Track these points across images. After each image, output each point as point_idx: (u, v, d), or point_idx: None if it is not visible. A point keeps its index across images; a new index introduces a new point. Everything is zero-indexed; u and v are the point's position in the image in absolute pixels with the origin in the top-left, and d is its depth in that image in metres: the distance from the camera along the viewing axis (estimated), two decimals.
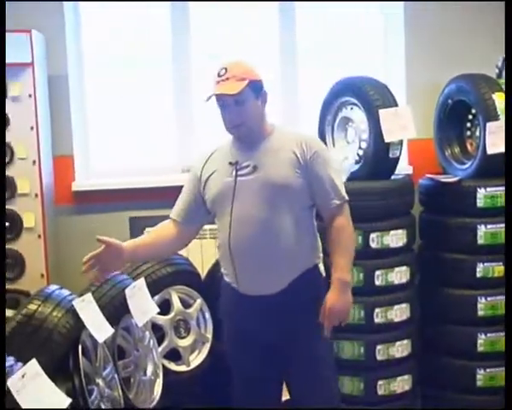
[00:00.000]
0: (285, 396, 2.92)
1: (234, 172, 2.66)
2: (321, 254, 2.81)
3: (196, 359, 3.45)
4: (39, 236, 3.76)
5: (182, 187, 4.04)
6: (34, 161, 3.72)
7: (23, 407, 2.07)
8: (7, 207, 3.70)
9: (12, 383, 2.09)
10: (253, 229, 2.61)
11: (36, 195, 3.74)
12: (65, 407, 2.26)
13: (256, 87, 2.65)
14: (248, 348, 2.76)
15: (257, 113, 2.68)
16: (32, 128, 3.70)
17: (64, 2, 4.05)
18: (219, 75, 2.61)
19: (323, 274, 2.80)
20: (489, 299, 3.59)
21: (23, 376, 2.14)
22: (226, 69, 2.61)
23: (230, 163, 2.68)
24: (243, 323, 2.76)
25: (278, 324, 2.68)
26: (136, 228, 4.09)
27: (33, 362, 2.22)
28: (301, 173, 2.64)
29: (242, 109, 2.62)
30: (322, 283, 2.80)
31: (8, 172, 3.69)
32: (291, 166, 2.64)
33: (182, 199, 2.85)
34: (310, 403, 2.73)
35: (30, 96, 3.68)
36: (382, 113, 3.52)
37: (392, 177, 3.69)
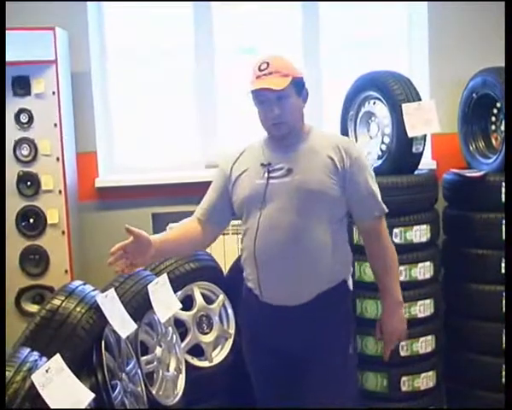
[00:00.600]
0: None
1: (265, 174, 2.54)
2: (351, 268, 2.70)
3: (219, 355, 3.45)
4: (63, 232, 3.78)
5: (204, 183, 4.07)
6: (58, 158, 3.75)
7: (47, 402, 2.08)
8: (31, 203, 3.73)
9: (36, 377, 2.10)
10: (281, 235, 2.49)
11: (60, 191, 3.76)
12: (88, 401, 2.27)
13: (298, 84, 2.55)
14: (266, 357, 2.66)
15: (298, 111, 2.58)
16: (55, 125, 3.72)
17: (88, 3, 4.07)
18: (260, 69, 2.50)
19: (351, 288, 2.70)
20: None
21: (47, 371, 2.15)
22: (268, 63, 2.49)
23: (262, 164, 2.56)
24: (262, 332, 2.65)
25: (300, 337, 2.57)
26: (159, 224, 4.10)
27: (57, 357, 2.23)
28: (338, 181, 2.52)
29: (285, 107, 2.51)
30: (350, 298, 2.73)
31: (33, 168, 3.73)
32: (327, 171, 2.51)
33: (208, 198, 2.74)
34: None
35: (53, 93, 3.70)
36: (405, 107, 3.49)
37: (416, 172, 3.66)
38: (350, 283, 2.68)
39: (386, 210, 2.63)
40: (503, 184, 3.51)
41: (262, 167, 2.56)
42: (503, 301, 3.55)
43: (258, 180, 2.56)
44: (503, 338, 3.57)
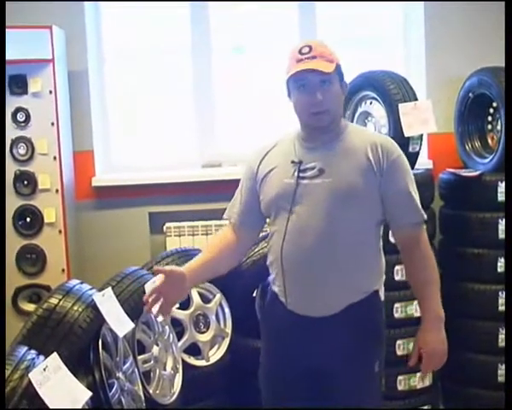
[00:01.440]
0: None
1: (296, 173, 2.34)
2: (383, 277, 2.49)
3: (216, 354, 3.45)
4: (60, 231, 3.78)
5: (202, 182, 4.11)
6: (55, 157, 3.75)
7: (44, 400, 2.09)
8: (28, 202, 3.73)
9: (33, 376, 2.11)
10: (311, 240, 2.30)
11: (56, 190, 3.76)
12: (86, 400, 2.27)
13: (341, 73, 2.37)
14: (286, 367, 2.45)
15: (340, 102, 2.40)
16: (52, 124, 3.73)
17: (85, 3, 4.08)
18: (302, 53, 2.29)
19: (382, 299, 2.48)
20: None
21: (44, 369, 2.15)
22: (311, 47, 2.30)
23: (293, 162, 2.36)
24: (286, 341, 2.44)
25: (324, 350, 2.38)
26: (156, 223, 4.12)
27: (55, 356, 2.24)
28: (374, 184, 2.31)
29: (329, 94, 2.30)
30: (381, 310, 2.48)
31: (29, 167, 3.73)
32: (363, 173, 2.31)
33: (238, 199, 2.53)
34: None
35: (50, 92, 3.70)
36: (402, 107, 3.50)
37: (412, 171, 3.66)
38: (382, 293, 2.47)
39: (425, 217, 2.41)
40: (499, 183, 3.53)
41: (292, 165, 2.36)
42: (499, 300, 3.57)
43: (288, 179, 2.36)
44: (499, 337, 3.59)
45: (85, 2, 4.08)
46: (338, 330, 2.36)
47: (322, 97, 2.29)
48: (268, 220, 2.49)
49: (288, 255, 2.35)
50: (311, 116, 2.34)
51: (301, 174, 2.34)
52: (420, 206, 2.39)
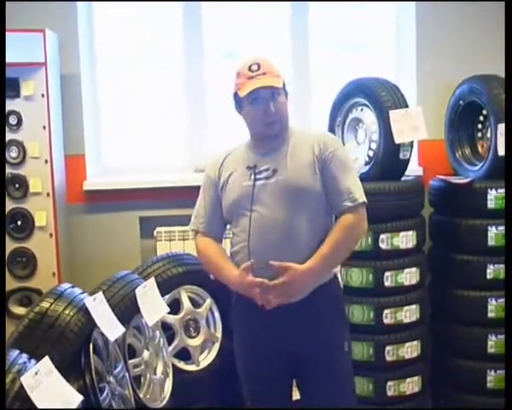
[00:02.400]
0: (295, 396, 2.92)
1: (252, 176, 2.59)
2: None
3: (206, 358, 3.46)
4: (51, 234, 3.77)
5: (193, 187, 4.07)
6: (46, 160, 3.74)
7: (36, 404, 2.09)
8: (19, 205, 3.73)
9: (25, 380, 2.11)
10: (273, 234, 2.53)
11: (48, 194, 3.75)
12: (77, 403, 2.27)
13: (285, 85, 2.64)
14: (261, 353, 2.66)
15: (287, 111, 2.66)
16: (44, 127, 3.72)
17: (78, 2, 4.07)
18: (252, 70, 2.56)
19: (341, 284, 2.76)
20: (499, 301, 3.58)
21: (36, 373, 2.16)
22: (259, 64, 2.57)
23: (248, 167, 2.61)
24: (259, 330, 2.64)
25: (297, 333, 2.60)
26: (147, 228, 4.12)
27: (46, 359, 2.24)
28: (318, 174, 2.58)
29: (279, 106, 2.58)
30: (342, 294, 2.77)
31: (21, 171, 3.72)
32: (310, 167, 2.57)
33: (202, 210, 2.75)
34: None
35: (43, 95, 3.70)
36: (393, 114, 3.52)
37: (403, 178, 3.69)
38: (339, 277, 2.74)
39: (361, 200, 2.58)
40: (489, 190, 3.56)
41: (248, 170, 2.61)
42: (489, 307, 3.59)
43: (246, 182, 2.60)
44: (489, 343, 3.61)
45: (78, 5, 4.07)
46: (307, 314, 2.57)
47: (274, 109, 2.56)
48: (231, 224, 2.68)
49: (254, 250, 2.55)
50: (264, 126, 2.60)
51: (257, 176, 2.59)
52: (354, 190, 2.58)
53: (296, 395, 2.88)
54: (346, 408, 2.69)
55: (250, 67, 2.58)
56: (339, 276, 2.74)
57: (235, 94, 2.65)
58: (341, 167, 2.60)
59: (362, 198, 2.61)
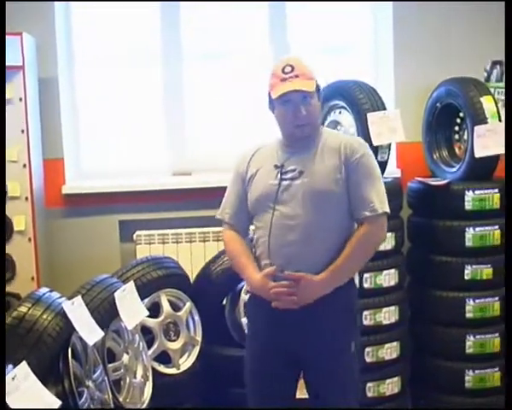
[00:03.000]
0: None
1: (278, 175, 2.61)
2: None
3: (186, 362, 3.45)
4: (30, 239, 3.75)
5: (172, 190, 4.11)
6: (25, 165, 3.72)
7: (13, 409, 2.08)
8: None
9: None
10: (293, 234, 2.56)
11: (26, 198, 3.73)
12: (55, 409, 2.26)
13: (319, 87, 2.66)
14: (271, 351, 2.67)
15: (319, 114, 2.71)
16: (22, 131, 3.70)
17: (55, 4, 4.05)
18: (285, 72, 2.57)
19: (357, 286, 2.79)
20: (477, 301, 3.62)
21: (13, 378, 2.14)
22: (292, 66, 2.57)
23: (276, 166, 2.63)
24: (271, 326, 2.66)
25: (311, 334, 2.61)
26: (126, 231, 4.11)
27: (24, 364, 2.23)
28: (343, 180, 2.58)
29: (310, 109, 2.59)
30: (356, 296, 2.78)
31: None
32: (336, 172, 2.58)
33: (229, 201, 2.78)
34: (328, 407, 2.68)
35: (20, 99, 3.68)
36: (371, 116, 3.54)
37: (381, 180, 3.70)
38: (356, 281, 2.76)
39: (382, 211, 2.59)
40: (466, 192, 3.59)
41: (275, 168, 2.64)
42: (467, 307, 3.63)
43: (272, 181, 2.63)
44: (467, 344, 3.64)
45: (56, 9, 4.05)
46: (322, 314, 2.58)
47: (305, 112, 2.57)
48: (254, 218, 2.71)
49: (274, 249, 2.59)
50: (294, 128, 2.62)
51: (283, 176, 2.61)
52: (376, 199, 2.58)
53: (301, 394, 2.89)
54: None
55: (284, 68, 2.58)
56: (356, 277, 2.76)
57: (269, 93, 2.66)
58: (365, 175, 2.61)
59: (382, 209, 2.60)
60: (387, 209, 2.62)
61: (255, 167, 2.70)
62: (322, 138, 2.66)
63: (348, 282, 2.65)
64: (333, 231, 2.58)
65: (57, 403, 2.29)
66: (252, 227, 2.77)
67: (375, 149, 3.56)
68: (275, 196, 2.59)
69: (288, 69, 2.57)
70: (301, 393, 2.95)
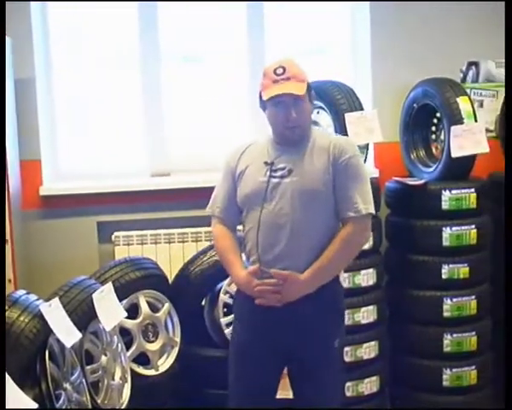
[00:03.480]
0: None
1: (268, 173, 2.65)
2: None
3: (165, 363, 3.44)
4: (6, 241, 3.72)
5: (151, 192, 4.10)
6: None
7: None
8: None
9: None
10: (281, 232, 2.61)
11: None
12: None
13: (310, 89, 2.70)
14: (256, 347, 2.73)
15: (310, 115, 2.74)
16: None
17: (31, 4, 4.02)
18: (277, 74, 2.60)
19: (343, 285, 2.86)
20: (454, 300, 3.65)
21: None
22: (284, 68, 2.61)
23: (266, 163, 2.68)
24: (257, 323, 2.71)
25: (294, 331, 2.66)
26: (105, 233, 4.09)
27: None
28: (331, 180, 2.63)
29: (301, 111, 2.63)
30: (342, 293, 2.84)
31: None
32: (325, 172, 2.63)
33: (220, 196, 2.82)
34: (312, 403, 2.74)
35: None
36: (348, 116, 3.56)
37: None
38: (342, 278, 2.83)
39: (366, 212, 2.63)
40: (443, 192, 3.62)
41: (265, 165, 2.68)
42: (444, 307, 3.65)
43: (261, 178, 2.67)
44: (444, 342, 3.67)
45: (32, 9, 4.01)
46: (306, 311, 2.63)
47: (296, 115, 2.61)
48: (243, 214, 2.76)
49: (262, 245, 2.64)
50: (285, 130, 2.66)
51: (273, 174, 2.65)
52: (360, 201, 2.62)
53: (283, 395, 2.94)
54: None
55: (276, 70, 2.62)
56: (341, 275, 2.83)
57: (260, 93, 2.70)
58: (352, 176, 2.65)
59: (366, 210, 2.64)
60: (372, 210, 2.67)
61: (245, 164, 2.74)
62: (312, 138, 2.70)
63: (333, 280, 2.69)
64: (319, 230, 2.63)
65: (34, 406, 2.28)
66: (239, 227, 2.82)
67: None
68: (264, 194, 2.63)
69: (279, 71, 2.60)
70: (284, 393, 2.99)
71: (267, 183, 2.64)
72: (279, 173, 2.64)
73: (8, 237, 3.71)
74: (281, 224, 2.61)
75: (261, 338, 2.71)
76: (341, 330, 2.85)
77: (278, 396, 2.90)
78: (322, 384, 2.72)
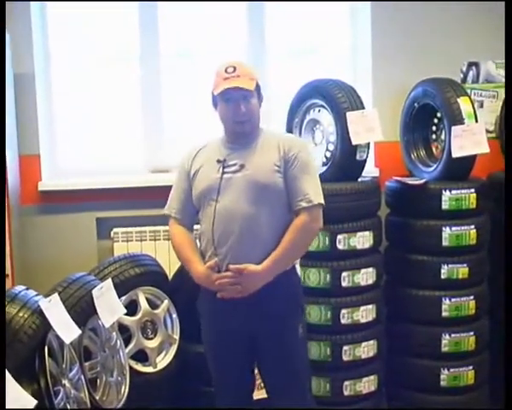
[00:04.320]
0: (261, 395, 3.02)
1: (221, 169, 2.77)
2: None
3: (163, 360, 3.44)
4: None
5: (149, 188, 4.09)
6: None
7: None
8: None
9: None
10: (235, 224, 2.71)
11: None
12: (31, 408, 2.24)
13: (259, 89, 2.84)
14: (225, 341, 2.83)
15: (258, 113, 2.84)
16: None
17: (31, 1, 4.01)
18: (228, 72, 2.74)
19: (299, 274, 2.97)
20: (453, 300, 3.64)
21: None
22: (235, 67, 2.75)
23: (218, 160, 2.79)
24: (221, 317, 2.81)
25: (256, 321, 2.76)
26: (104, 229, 4.08)
27: None
28: (282, 174, 2.76)
29: (250, 106, 2.77)
30: (299, 282, 2.96)
31: None
32: (275, 166, 2.75)
33: (176, 197, 2.92)
34: (283, 396, 2.84)
35: None
36: (350, 115, 3.55)
37: (359, 179, 3.73)
38: (297, 266, 2.94)
39: (316, 202, 2.76)
40: (443, 191, 3.61)
41: (218, 163, 2.79)
42: (443, 306, 3.65)
43: (214, 174, 2.78)
44: (442, 342, 3.67)
45: (31, 4, 4.01)
46: (266, 300, 2.73)
47: (245, 109, 2.75)
48: (199, 212, 2.86)
49: (217, 240, 2.74)
50: (235, 124, 2.79)
51: (225, 170, 2.77)
52: (310, 191, 2.75)
53: (259, 395, 3.01)
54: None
55: (226, 69, 2.76)
56: (297, 265, 2.94)
57: (212, 92, 2.82)
58: (302, 169, 2.78)
59: (317, 200, 2.78)
60: (322, 201, 2.80)
61: (199, 163, 2.85)
62: (262, 135, 2.85)
63: (292, 269, 2.85)
64: (272, 222, 2.74)
65: (33, 402, 2.27)
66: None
67: (354, 149, 3.58)
68: (217, 189, 2.75)
69: (230, 69, 2.75)
70: (260, 393, 3.01)
71: (220, 179, 2.75)
72: (232, 169, 2.77)
73: (6, 232, 3.70)
74: (235, 216, 2.71)
75: (227, 332, 2.80)
76: (302, 319, 2.94)
77: (255, 397, 3.01)
78: (289, 371, 2.82)
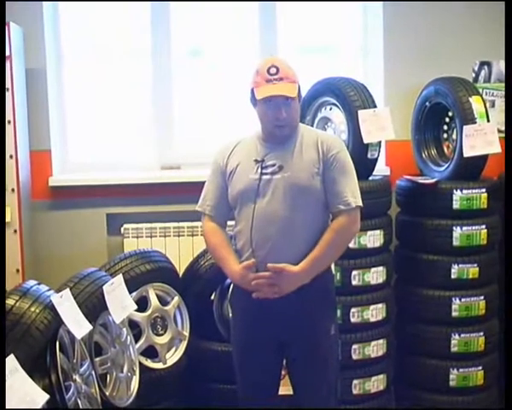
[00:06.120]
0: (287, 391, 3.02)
1: (259, 170, 2.73)
2: None
3: (173, 356, 3.44)
4: (15, 231, 3.72)
5: (160, 184, 4.10)
6: (11, 156, 3.69)
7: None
8: None
9: None
10: (273, 227, 2.69)
11: (12, 189, 3.70)
12: (42, 402, 2.24)
13: (299, 90, 2.77)
14: (256, 340, 2.81)
15: (298, 115, 2.80)
16: (9, 122, 3.66)
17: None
18: (270, 74, 2.67)
19: (333, 271, 2.96)
20: (463, 300, 3.64)
21: None
22: (278, 68, 2.68)
23: (256, 160, 2.75)
24: (253, 318, 2.79)
25: (290, 321, 2.75)
26: (114, 224, 4.09)
27: (11, 357, 2.20)
28: (320, 175, 2.73)
29: (291, 111, 2.71)
30: (333, 281, 2.96)
31: None
32: (314, 168, 2.72)
33: (210, 194, 2.88)
34: (310, 396, 2.83)
35: (7, 89, 3.64)
36: (361, 113, 3.55)
37: (370, 177, 3.72)
38: (332, 266, 2.92)
39: (355, 205, 2.73)
40: (454, 191, 3.60)
41: (255, 163, 2.75)
42: (453, 306, 3.64)
43: (252, 175, 2.74)
44: (452, 342, 3.66)
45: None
46: (302, 301, 2.72)
47: (286, 115, 2.69)
48: (235, 211, 2.82)
49: (256, 240, 2.71)
50: (274, 127, 2.73)
51: (263, 171, 2.72)
52: (349, 194, 2.73)
53: (285, 390, 3.01)
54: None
55: (269, 69, 2.68)
56: (332, 265, 2.92)
57: (252, 89, 2.74)
58: (341, 171, 2.75)
59: (355, 203, 2.75)
60: (360, 203, 2.77)
61: (236, 161, 2.80)
62: (300, 134, 2.79)
63: (328, 270, 2.83)
64: (311, 223, 2.72)
65: (44, 397, 2.27)
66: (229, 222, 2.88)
67: (366, 147, 3.57)
68: (256, 191, 2.70)
69: (273, 70, 2.67)
70: (285, 389, 3.00)
71: (259, 180, 2.71)
72: (270, 170, 2.72)
73: (16, 227, 3.73)
74: (274, 219, 2.69)
75: (259, 331, 2.78)
76: (335, 318, 2.96)
77: (280, 393, 2.98)
78: (320, 370, 2.82)
